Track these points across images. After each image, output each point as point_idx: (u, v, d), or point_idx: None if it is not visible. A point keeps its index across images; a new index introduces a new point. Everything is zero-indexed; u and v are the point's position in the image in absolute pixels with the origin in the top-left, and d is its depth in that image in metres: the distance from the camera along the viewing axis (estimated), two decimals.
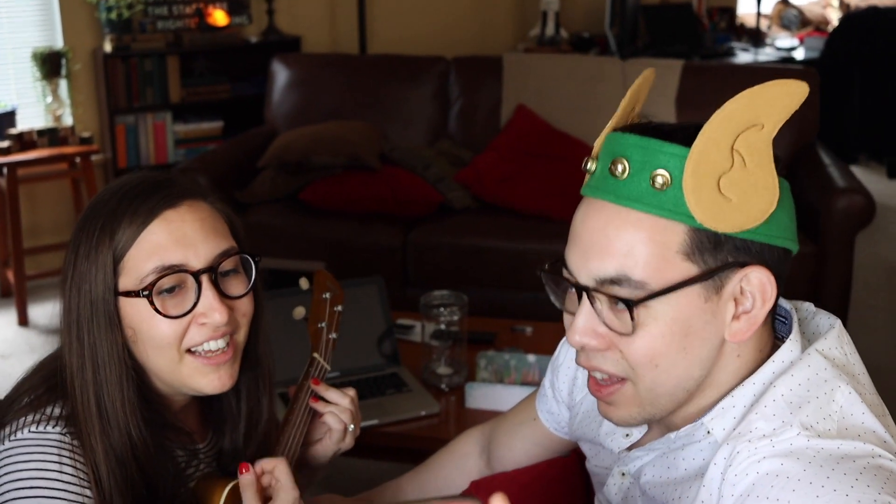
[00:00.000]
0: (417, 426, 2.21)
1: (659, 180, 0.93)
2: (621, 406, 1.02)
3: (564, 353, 1.30)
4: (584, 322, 0.98)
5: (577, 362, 1.03)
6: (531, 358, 2.34)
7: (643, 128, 0.99)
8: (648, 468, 1.09)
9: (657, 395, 0.99)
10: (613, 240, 0.95)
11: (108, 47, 4.37)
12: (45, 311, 4.03)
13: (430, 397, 2.28)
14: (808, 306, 1.09)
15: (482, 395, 2.24)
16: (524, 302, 3.44)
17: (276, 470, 1.20)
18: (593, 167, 1.01)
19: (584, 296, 0.97)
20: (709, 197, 0.92)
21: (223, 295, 1.16)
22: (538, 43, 5.64)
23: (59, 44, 4.37)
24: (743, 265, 0.95)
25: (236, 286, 1.19)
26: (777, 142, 0.94)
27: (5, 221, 4.03)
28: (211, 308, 1.15)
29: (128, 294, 1.13)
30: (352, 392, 1.40)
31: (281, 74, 4.28)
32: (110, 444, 1.12)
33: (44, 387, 1.16)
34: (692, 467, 1.03)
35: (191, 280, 1.14)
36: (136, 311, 1.14)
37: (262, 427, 1.32)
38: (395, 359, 2.43)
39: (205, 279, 1.14)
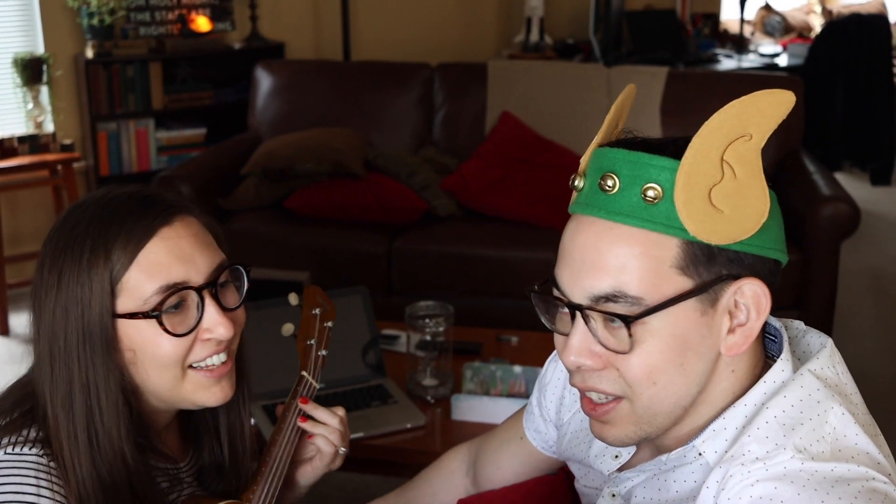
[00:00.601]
0: (403, 438, 2.18)
1: (650, 194, 0.92)
2: (617, 425, 1.00)
3: (552, 372, 1.28)
4: (578, 342, 0.96)
5: (572, 384, 1.01)
6: (517, 369, 2.32)
7: (630, 142, 0.98)
8: (639, 490, 1.07)
9: (654, 414, 0.98)
10: (607, 255, 0.93)
11: (89, 53, 4.34)
12: (26, 321, 3.98)
13: (416, 409, 2.25)
14: (799, 324, 1.08)
15: (468, 407, 2.23)
16: (510, 309, 3.42)
17: None
18: (581, 184, 0.99)
19: (578, 315, 0.96)
20: (701, 209, 0.91)
21: (224, 308, 1.15)
22: (523, 49, 5.63)
23: (40, 50, 4.32)
24: (737, 277, 0.94)
25: (231, 297, 1.19)
26: (762, 149, 0.93)
27: None
28: (216, 323, 1.13)
29: (133, 316, 1.10)
30: (341, 412, 1.38)
31: (264, 81, 4.26)
32: (97, 472, 1.09)
33: (17, 411, 1.13)
34: (684, 489, 1.01)
35: (192, 296, 1.12)
36: (137, 332, 1.11)
37: (245, 438, 1.30)
38: (381, 370, 2.41)
39: (207, 294, 1.13)
